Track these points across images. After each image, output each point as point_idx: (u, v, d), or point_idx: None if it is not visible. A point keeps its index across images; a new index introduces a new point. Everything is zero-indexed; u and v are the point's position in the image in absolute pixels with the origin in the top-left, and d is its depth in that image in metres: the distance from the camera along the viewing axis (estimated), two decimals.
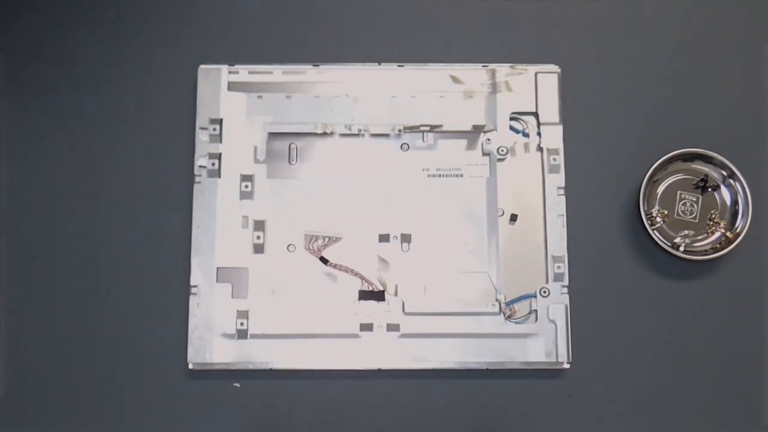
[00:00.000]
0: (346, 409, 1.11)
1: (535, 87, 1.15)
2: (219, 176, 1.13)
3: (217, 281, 1.11)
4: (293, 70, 1.16)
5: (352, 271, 1.11)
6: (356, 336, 1.10)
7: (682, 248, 1.13)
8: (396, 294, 1.11)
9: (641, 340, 1.12)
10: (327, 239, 1.12)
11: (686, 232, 1.15)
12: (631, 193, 1.15)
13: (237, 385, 1.11)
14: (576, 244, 1.12)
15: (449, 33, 1.18)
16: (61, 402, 1.11)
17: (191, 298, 1.10)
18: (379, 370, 1.10)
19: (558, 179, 1.13)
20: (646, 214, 1.13)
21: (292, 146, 1.14)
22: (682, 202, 1.15)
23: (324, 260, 1.11)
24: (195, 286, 1.10)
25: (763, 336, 1.13)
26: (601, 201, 1.15)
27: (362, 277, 1.11)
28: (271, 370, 1.09)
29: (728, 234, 1.14)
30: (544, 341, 1.09)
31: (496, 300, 1.10)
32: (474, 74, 1.16)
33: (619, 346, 1.12)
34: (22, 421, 1.11)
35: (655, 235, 1.13)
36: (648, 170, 1.13)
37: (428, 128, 1.14)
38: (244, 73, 1.15)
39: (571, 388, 1.11)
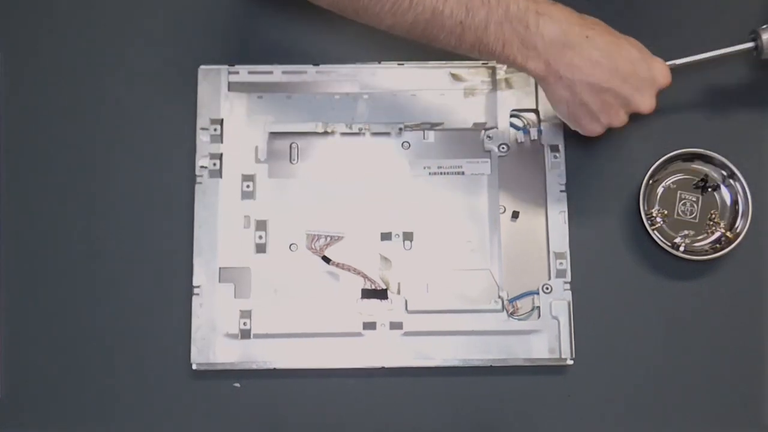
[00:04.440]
0: (350, 408, 1.11)
1: (536, 84, 1.15)
2: (220, 176, 1.13)
3: (219, 281, 1.11)
4: (293, 70, 1.16)
5: (354, 269, 1.11)
6: (359, 334, 1.10)
7: (682, 248, 1.13)
8: (398, 292, 1.11)
9: (642, 339, 1.12)
10: (329, 238, 1.12)
11: (686, 232, 1.15)
12: (631, 193, 1.15)
13: (237, 385, 1.11)
14: (577, 241, 1.12)
15: None
16: (62, 402, 1.10)
17: (194, 298, 1.10)
18: (383, 368, 1.09)
19: (559, 176, 1.13)
20: (646, 214, 1.13)
21: (293, 146, 1.14)
22: (682, 202, 1.15)
23: (326, 259, 1.11)
24: (198, 287, 1.10)
25: (763, 336, 1.13)
26: (601, 199, 1.16)
27: (365, 276, 1.11)
28: (274, 369, 1.09)
29: (728, 234, 1.14)
30: (546, 338, 1.09)
31: (499, 297, 1.10)
32: (474, 72, 1.16)
33: (620, 344, 1.12)
34: (22, 421, 1.10)
35: (655, 235, 1.13)
36: (648, 170, 1.14)
37: (429, 126, 1.15)
38: (244, 73, 1.16)
39: (574, 385, 1.11)
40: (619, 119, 1.03)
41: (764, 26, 1.09)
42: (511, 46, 0.98)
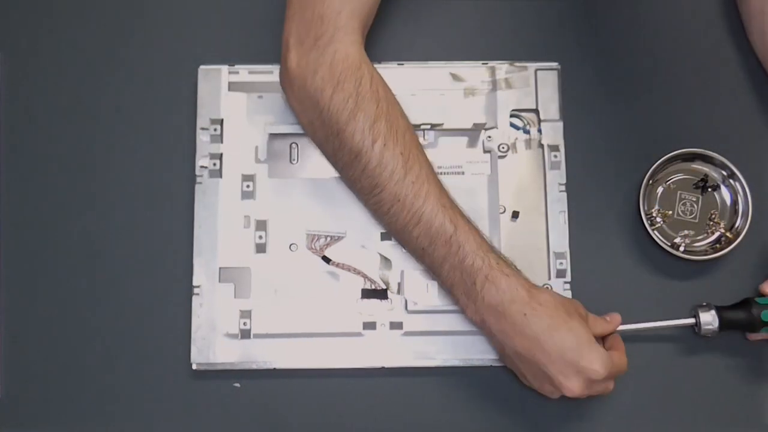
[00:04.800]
0: (350, 408, 1.10)
1: (535, 84, 1.15)
2: (220, 176, 1.13)
3: (219, 281, 1.10)
4: None
5: (354, 269, 1.11)
6: (359, 334, 1.10)
7: (682, 248, 1.13)
8: (398, 292, 1.11)
9: (641, 340, 1.12)
10: (329, 238, 1.12)
11: (686, 232, 1.15)
12: (631, 193, 1.15)
13: (237, 385, 1.11)
14: (577, 241, 1.12)
15: (449, 31, 1.19)
16: (62, 402, 1.10)
17: (194, 298, 1.10)
18: (383, 368, 1.09)
19: (559, 176, 1.13)
20: (646, 214, 1.13)
21: (293, 146, 1.14)
22: (682, 202, 1.15)
23: (326, 259, 1.11)
24: (198, 287, 1.10)
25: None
26: (601, 199, 1.16)
27: (365, 276, 1.11)
28: (274, 369, 1.09)
29: (728, 234, 1.14)
30: None
31: None
32: (474, 72, 1.16)
33: None
34: (22, 421, 1.10)
35: (655, 235, 1.13)
36: (648, 170, 1.13)
37: (429, 126, 1.14)
38: (244, 73, 1.15)
39: None
40: (548, 391, 1.03)
41: (702, 305, 1.10)
42: (457, 289, 1.04)
